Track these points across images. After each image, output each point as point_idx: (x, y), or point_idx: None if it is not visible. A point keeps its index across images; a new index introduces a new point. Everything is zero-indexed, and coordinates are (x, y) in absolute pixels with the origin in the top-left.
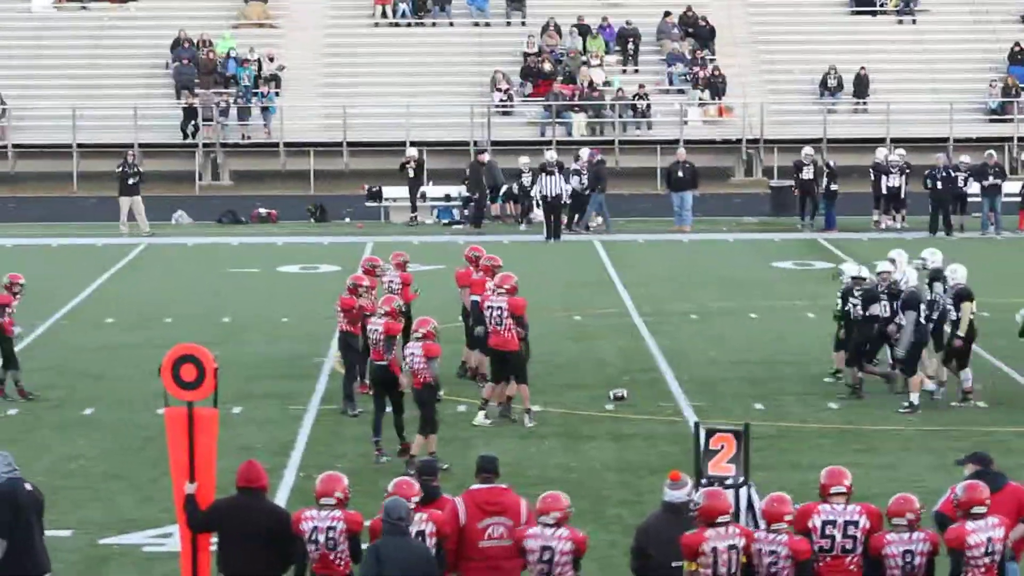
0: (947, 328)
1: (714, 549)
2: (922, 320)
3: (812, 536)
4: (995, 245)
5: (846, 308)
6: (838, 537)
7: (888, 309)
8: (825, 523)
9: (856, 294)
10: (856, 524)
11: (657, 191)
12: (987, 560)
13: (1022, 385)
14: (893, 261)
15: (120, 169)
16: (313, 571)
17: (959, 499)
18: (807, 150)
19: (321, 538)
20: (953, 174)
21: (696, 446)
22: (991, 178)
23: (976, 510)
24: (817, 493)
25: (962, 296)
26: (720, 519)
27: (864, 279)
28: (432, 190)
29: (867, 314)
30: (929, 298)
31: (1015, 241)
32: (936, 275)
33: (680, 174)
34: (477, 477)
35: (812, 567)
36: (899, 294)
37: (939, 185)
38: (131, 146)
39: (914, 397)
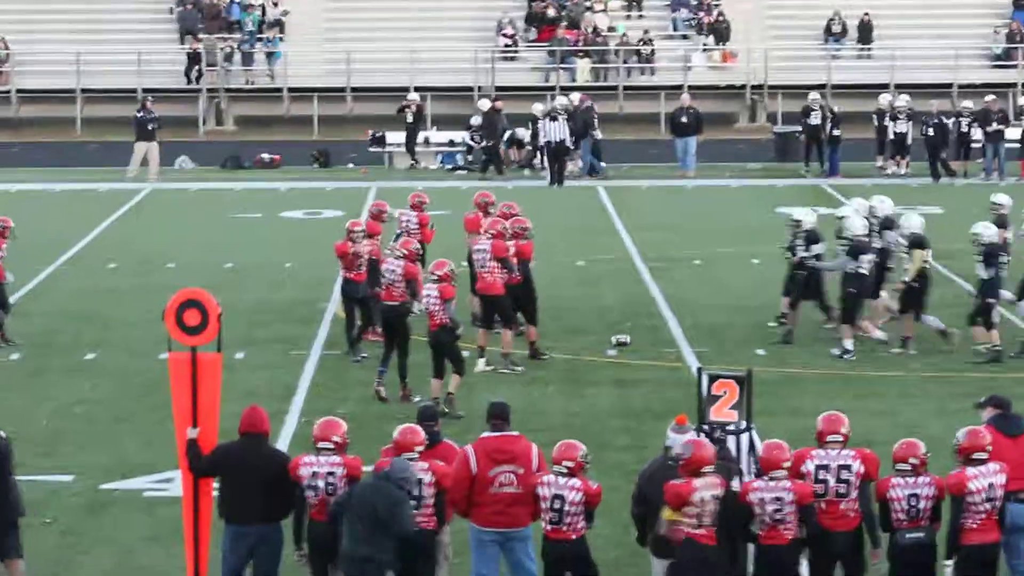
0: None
1: (702, 499)
2: (864, 271)
3: (806, 481)
4: (997, 191)
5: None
6: (831, 481)
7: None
8: (819, 467)
9: (799, 239)
10: (850, 468)
11: (661, 137)
12: (987, 506)
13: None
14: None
15: (140, 115)
16: (312, 517)
17: (960, 444)
18: (814, 95)
19: (321, 483)
20: (946, 120)
21: (699, 392)
22: (995, 124)
23: (977, 456)
24: (814, 439)
25: (914, 244)
26: (705, 468)
27: (799, 222)
28: (436, 135)
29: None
30: (878, 246)
31: (1016, 187)
32: (887, 223)
33: (684, 119)
34: (488, 423)
35: (815, 511)
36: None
37: (931, 132)
38: (135, 91)
39: (847, 343)
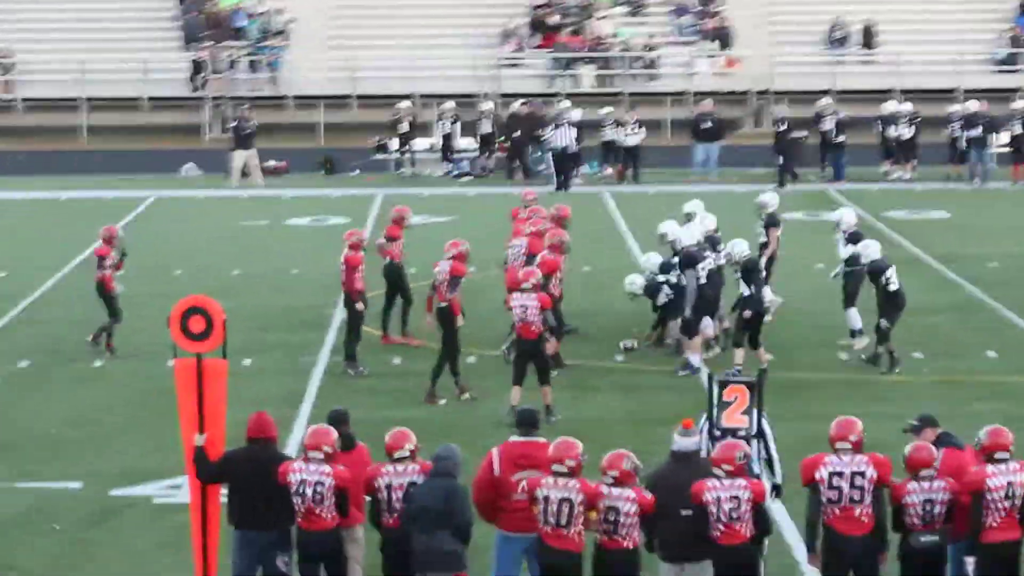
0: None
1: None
2: (702, 280)
3: (820, 487)
4: (980, 196)
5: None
6: (845, 488)
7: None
8: (832, 474)
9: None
10: (863, 475)
11: (666, 143)
12: (1007, 504)
13: None
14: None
15: (236, 123)
16: (298, 525)
17: (982, 443)
18: (826, 100)
19: (309, 491)
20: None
21: (710, 398)
22: (980, 129)
23: (999, 455)
24: (828, 444)
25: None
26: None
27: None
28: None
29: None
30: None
31: (1003, 193)
32: (713, 241)
33: (707, 125)
34: (517, 429)
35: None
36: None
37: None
38: (140, 99)
39: (694, 359)
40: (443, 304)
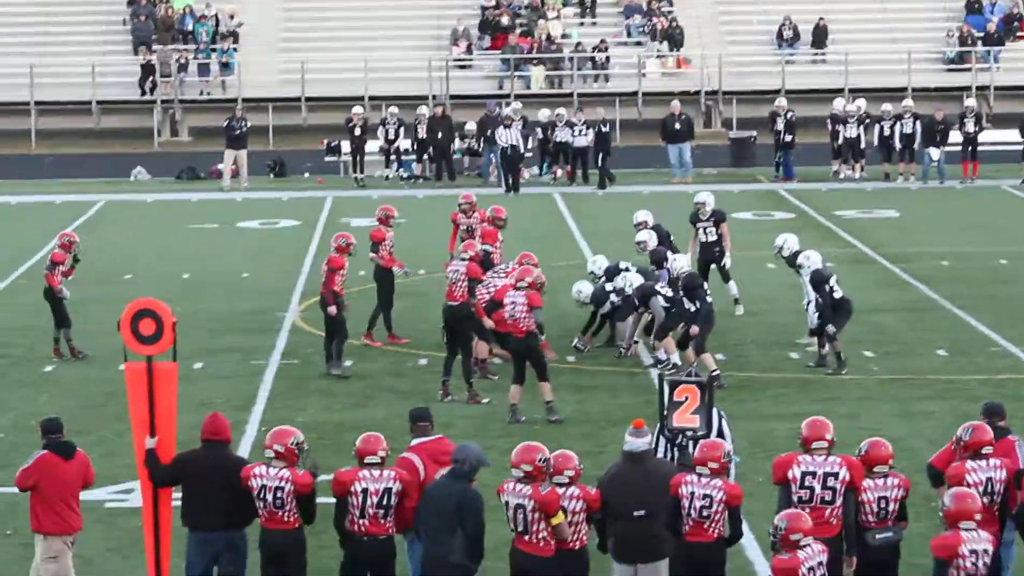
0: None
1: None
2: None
3: (791, 487)
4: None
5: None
6: (817, 488)
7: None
8: (805, 474)
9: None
10: (836, 476)
11: (615, 143)
12: (986, 500)
13: (981, 333)
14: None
15: (227, 123)
16: (262, 526)
17: (965, 440)
18: (780, 101)
19: (269, 497)
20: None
21: (660, 398)
22: (937, 133)
23: (984, 450)
24: (784, 444)
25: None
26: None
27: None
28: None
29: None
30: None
31: (953, 192)
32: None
33: (677, 126)
34: (414, 429)
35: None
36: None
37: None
38: (90, 103)
39: (673, 358)
40: (455, 304)
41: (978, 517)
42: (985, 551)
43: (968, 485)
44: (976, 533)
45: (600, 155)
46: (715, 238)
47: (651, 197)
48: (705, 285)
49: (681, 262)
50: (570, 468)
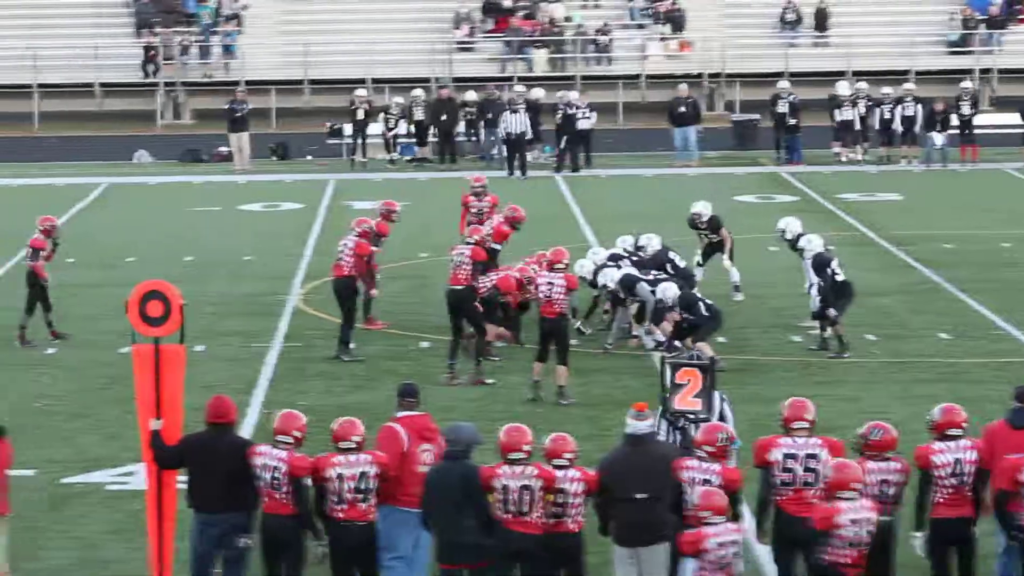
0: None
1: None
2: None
3: (773, 469)
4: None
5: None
6: (799, 470)
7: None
8: (786, 456)
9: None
10: (817, 457)
11: (618, 126)
12: (954, 481)
13: (983, 316)
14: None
15: (228, 106)
16: (262, 510)
17: (935, 421)
18: (783, 84)
19: (267, 476)
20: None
21: (662, 380)
22: (937, 119)
23: (951, 432)
24: (780, 426)
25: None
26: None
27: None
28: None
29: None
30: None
31: (953, 175)
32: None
33: (683, 109)
34: (401, 404)
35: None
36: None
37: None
38: (92, 85)
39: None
40: (459, 287)
41: (857, 486)
42: (868, 519)
43: (936, 466)
44: (858, 503)
45: (564, 138)
46: (717, 240)
47: (654, 180)
48: (700, 304)
49: (672, 290)
50: (568, 451)
